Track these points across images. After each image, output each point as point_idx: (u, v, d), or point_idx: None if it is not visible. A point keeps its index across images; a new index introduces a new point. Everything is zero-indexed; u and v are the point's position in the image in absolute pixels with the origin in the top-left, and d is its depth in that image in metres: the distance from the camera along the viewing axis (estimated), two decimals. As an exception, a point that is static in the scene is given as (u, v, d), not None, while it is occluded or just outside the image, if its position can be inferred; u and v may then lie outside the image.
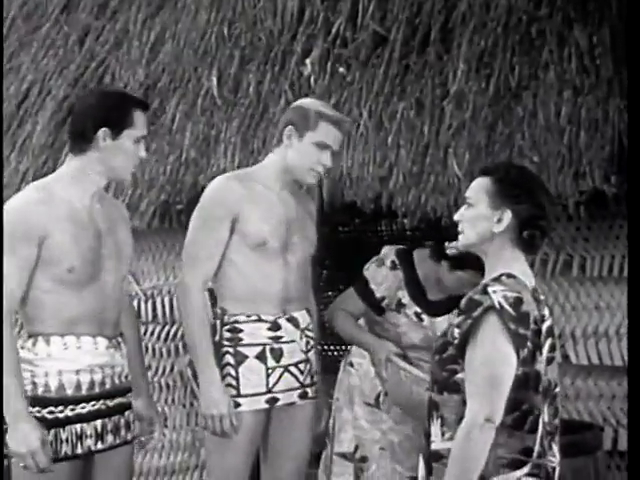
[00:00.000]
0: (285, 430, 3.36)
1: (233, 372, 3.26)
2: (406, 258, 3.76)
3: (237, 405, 3.25)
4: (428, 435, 2.58)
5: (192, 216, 3.33)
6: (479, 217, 2.59)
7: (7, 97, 6.07)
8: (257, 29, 5.06)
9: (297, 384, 3.34)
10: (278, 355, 3.30)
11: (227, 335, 3.28)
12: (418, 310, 3.74)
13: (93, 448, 3.04)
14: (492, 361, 2.45)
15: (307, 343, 3.38)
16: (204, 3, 5.40)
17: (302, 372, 3.36)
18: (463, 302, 2.56)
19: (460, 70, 4.28)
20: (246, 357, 3.27)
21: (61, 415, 2.98)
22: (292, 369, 3.33)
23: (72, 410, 2.99)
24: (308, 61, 4.75)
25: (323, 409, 3.55)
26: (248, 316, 3.28)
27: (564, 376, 4.31)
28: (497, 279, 2.54)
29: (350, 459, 3.79)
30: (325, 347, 6.14)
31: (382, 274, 3.74)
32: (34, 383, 2.97)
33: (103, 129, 3.03)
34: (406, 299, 3.74)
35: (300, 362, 3.35)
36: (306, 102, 3.44)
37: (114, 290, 3.11)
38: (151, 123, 5.19)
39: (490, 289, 2.50)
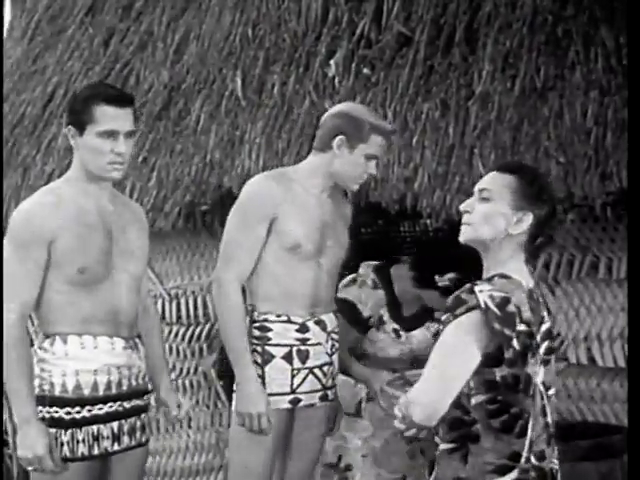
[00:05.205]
0: (304, 429, 3.37)
1: (259, 371, 3.25)
2: (384, 276, 3.73)
3: None
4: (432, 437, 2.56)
5: (230, 214, 3.30)
6: (497, 214, 2.50)
7: (32, 99, 6.11)
8: (281, 30, 5.07)
9: (319, 386, 3.34)
10: (304, 357, 3.29)
11: (256, 333, 3.27)
12: (396, 327, 3.71)
13: (110, 449, 3.04)
14: (450, 352, 2.41)
15: (332, 346, 3.38)
16: (228, 4, 5.41)
17: (325, 375, 3.35)
18: (450, 300, 2.48)
19: (485, 71, 4.27)
20: (273, 357, 3.27)
21: (78, 416, 2.97)
22: (316, 371, 3.33)
23: (89, 411, 2.99)
24: (332, 62, 4.74)
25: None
26: (278, 316, 3.27)
27: (590, 378, 4.29)
28: (489, 279, 2.48)
29: (335, 469, 3.77)
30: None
31: (365, 293, 3.71)
32: (51, 383, 2.97)
33: (68, 127, 3.02)
34: (386, 317, 3.71)
35: (324, 365, 3.35)
36: (357, 111, 3.31)
37: (128, 290, 3.09)
38: (175, 125, 5.22)
39: (477, 288, 2.42)
